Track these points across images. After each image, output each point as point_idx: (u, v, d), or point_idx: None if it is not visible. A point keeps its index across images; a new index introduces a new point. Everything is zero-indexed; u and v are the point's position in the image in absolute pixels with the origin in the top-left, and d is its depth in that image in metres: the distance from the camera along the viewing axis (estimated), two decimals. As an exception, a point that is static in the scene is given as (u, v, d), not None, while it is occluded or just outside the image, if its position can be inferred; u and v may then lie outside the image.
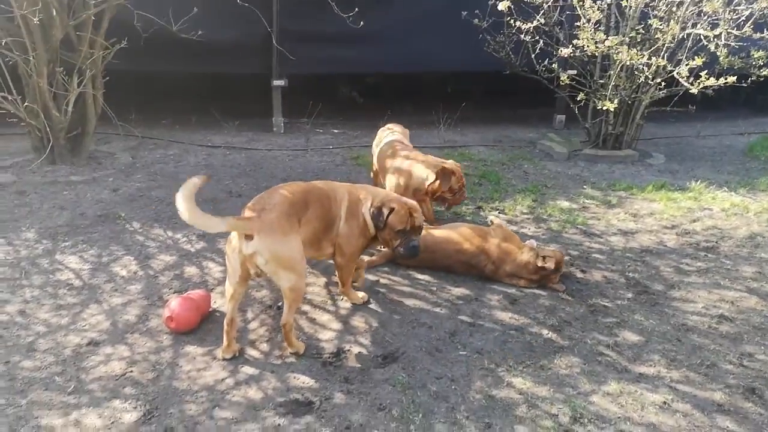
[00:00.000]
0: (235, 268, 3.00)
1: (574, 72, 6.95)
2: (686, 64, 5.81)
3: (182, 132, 7.51)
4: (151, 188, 5.48)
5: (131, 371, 2.96)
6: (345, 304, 3.64)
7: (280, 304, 3.44)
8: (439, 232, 4.10)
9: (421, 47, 7.64)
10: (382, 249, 4.04)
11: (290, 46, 7.13)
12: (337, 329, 3.39)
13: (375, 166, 5.09)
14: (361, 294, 3.67)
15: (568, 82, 6.61)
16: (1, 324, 3.31)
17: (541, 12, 6.49)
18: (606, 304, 3.74)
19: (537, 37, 6.59)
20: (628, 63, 6.06)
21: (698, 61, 5.63)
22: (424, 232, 3.67)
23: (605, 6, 6.29)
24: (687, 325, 3.53)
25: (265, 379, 2.94)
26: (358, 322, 3.47)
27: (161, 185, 5.56)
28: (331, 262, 3.63)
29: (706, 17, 5.95)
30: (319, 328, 3.39)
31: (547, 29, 6.70)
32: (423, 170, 4.43)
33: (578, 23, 6.21)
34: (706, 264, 4.33)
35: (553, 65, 6.77)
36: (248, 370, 3.01)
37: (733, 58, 6.05)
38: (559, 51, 6.36)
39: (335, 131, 8.01)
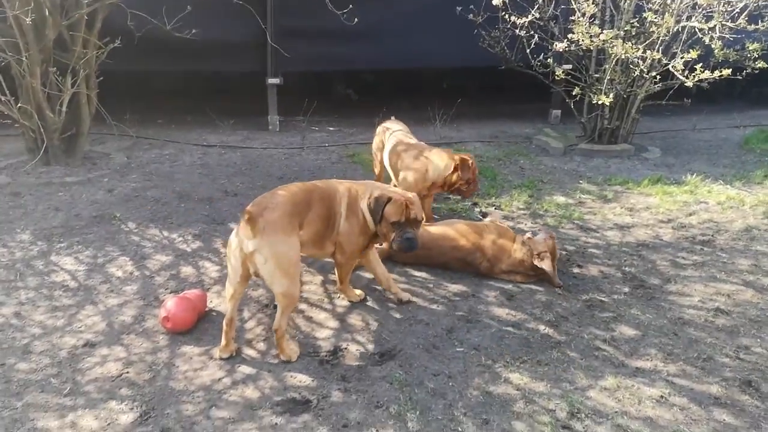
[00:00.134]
0: (236, 267, 3.00)
1: (570, 66, 6.94)
2: (681, 57, 5.80)
3: (177, 131, 7.49)
4: (147, 188, 5.46)
5: (127, 372, 2.96)
6: (342, 302, 3.64)
7: (276, 303, 3.43)
8: (435, 229, 4.09)
9: (416, 44, 7.64)
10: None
11: (285, 44, 7.11)
12: (334, 327, 3.39)
13: (378, 166, 5.10)
14: (358, 291, 3.67)
15: (563, 76, 6.61)
16: (-3, 326, 3.30)
17: (536, 6, 6.49)
18: (602, 298, 3.75)
19: (532, 32, 6.59)
20: (623, 57, 6.06)
21: (693, 54, 5.63)
22: (420, 229, 3.65)
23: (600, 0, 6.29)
24: (683, 318, 3.54)
25: (262, 378, 2.93)
26: (354, 319, 3.46)
27: (156, 185, 5.55)
28: (328, 260, 3.62)
29: (700, 10, 5.94)
30: (316, 327, 3.39)
31: (542, 24, 6.70)
32: (442, 161, 4.46)
33: (573, 17, 6.20)
34: (702, 257, 4.33)
35: (549, 60, 6.76)
36: (245, 369, 3.00)
37: (728, 51, 6.05)
38: (554, 45, 6.35)
39: (331, 129, 7.99)
